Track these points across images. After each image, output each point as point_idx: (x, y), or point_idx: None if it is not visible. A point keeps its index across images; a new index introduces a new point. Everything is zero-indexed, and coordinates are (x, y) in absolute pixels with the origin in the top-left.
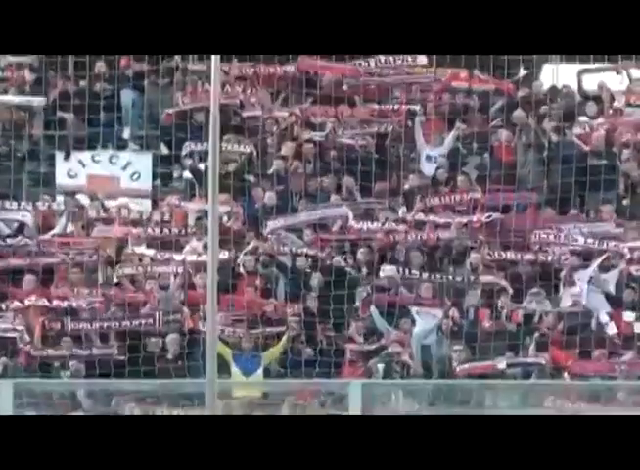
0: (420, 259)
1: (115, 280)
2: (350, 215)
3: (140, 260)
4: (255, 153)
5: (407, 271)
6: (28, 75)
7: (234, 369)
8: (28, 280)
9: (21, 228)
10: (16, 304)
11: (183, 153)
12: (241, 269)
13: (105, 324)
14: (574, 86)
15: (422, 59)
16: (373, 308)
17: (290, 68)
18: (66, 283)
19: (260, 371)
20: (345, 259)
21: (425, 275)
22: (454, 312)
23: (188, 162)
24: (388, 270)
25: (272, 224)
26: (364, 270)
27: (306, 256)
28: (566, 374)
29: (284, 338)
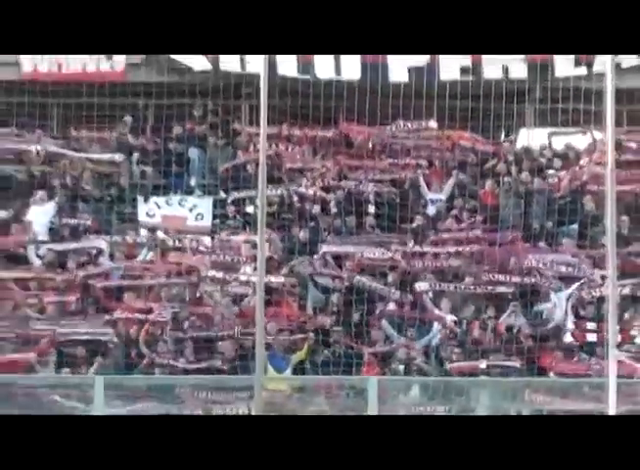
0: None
1: (197, 295)
2: (381, 249)
3: (212, 280)
4: (294, 197)
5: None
6: (132, 140)
7: (268, 367)
8: (129, 296)
9: (110, 256)
10: (116, 315)
11: (229, 200)
12: (282, 288)
13: (172, 331)
14: (544, 146)
15: (432, 124)
16: (384, 321)
17: (331, 131)
18: (148, 298)
19: (289, 370)
20: (351, 279)
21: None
22: (451, 323)
23: (231, 208)
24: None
25: (326, 247)
26: (393, 289)
27: (337, 278)
28: (552, 373)
29: (307, 344)
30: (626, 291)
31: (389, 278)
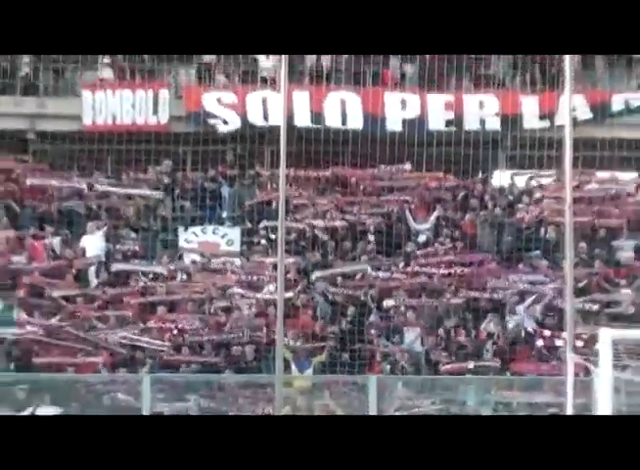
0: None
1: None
2: (369, 269)
3: (233, 296)
4: (306, 228)
5: (404, 300)
6: (166, 179)
7: (293, 368)
8: (161, 309)
9: (155, 276)
10: (153, 324)
11: (260, 226)
12: (298, 303)
13: (208, 337)
14: (511, 184)
15: (407, 166)
16: (372, 331)
17: (326, 173)
18: (183, 311)
19: (311, 370)
20: (366, 296)
21: (416, 302)
22: (439, 331)
23: (263, 232)
24: (389, 301)
25: (318, 273)
26: (374, 304)
27: (341, 294)
28: (518, 372)
29: (325, 350)
30: (596, 307)
31: (382, 293)
